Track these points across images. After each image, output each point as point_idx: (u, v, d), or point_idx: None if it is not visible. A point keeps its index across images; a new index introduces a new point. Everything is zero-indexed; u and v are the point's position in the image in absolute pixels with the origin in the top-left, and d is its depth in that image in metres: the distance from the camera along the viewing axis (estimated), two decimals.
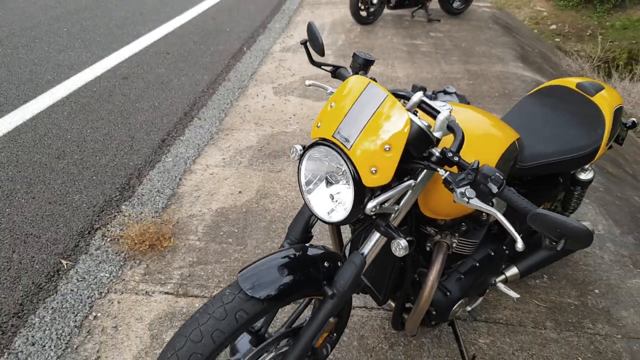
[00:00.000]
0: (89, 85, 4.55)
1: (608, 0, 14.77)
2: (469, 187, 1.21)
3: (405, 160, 1.29)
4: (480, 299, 2.03)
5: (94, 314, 2.25)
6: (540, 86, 2.20)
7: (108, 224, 2.83)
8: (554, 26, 14.85)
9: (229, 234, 2.78)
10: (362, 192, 1.25)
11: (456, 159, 1.24)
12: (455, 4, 7.79)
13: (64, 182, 3.19)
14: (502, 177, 1.19)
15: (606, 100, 2.02)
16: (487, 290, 2.05)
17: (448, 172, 1.23)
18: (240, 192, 3.18)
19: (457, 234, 1.66)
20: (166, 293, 2.37)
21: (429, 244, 1.68)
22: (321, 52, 1.62)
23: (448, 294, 1.75)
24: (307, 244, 1.51)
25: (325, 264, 1.44)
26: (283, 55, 5.68)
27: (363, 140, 1.23)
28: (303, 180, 1.36)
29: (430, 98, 3.75)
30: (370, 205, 1.25)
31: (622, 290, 2.49)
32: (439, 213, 1.55)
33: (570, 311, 2.33)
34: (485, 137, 1.54)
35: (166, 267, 2.52)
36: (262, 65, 5.34)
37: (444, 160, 1.25)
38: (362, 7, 6.97)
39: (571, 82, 2.11)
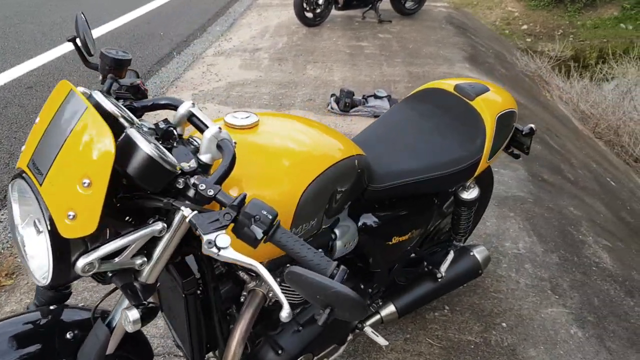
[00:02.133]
0: None
1: (579, 0, 14.66)
2: (223, 232, 0.87)
3: (140, 197, 0.94)
4: (342, 348, 1.67)
5: None
6: (416, 90, 1.87)
7: None
8: (525, 26, 14.69)
9: None
10: (64, 245, 0.89)
11: (211, 192, 0.89)
12: (408, 4, 7.49)
13: None
14: (271, 216, 0.85)
15: (488, 105, 1.69)
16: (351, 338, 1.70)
17: (194, 213, 0.88)
18: None
19: (278, 280, 1.30)
20: None
21: (244, 293, 1.32)
22: (88, 51, 1.27)
23: (280, 351, 1.40)
24: (60, 305, 1.15)
25: (69, 334, 1.08)
26: (214, 60, 5.31)
27: (57, 172, 0.88)
28: (17, 226, 1.00)
29: (360, 102, 3.36)
30: (81, 263, 0.90)
31: (534, 322, 2.16)
32: (250, 254, 1.20)
33: (468, 352, 1.99)
34: (296, 157, 1.19)
35: None
36: (189, 70, 4.98)
37: (198, 195, 0.91)
38: (308, 8, 6.63)
39: (450, 84, 1.78)
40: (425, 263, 1.87)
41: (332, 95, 4.20)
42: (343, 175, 1.26)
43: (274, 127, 1.24)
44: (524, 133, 1.87)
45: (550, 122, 5.30)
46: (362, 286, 1.54)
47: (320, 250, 0.93)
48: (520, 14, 15.22)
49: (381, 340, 1.67)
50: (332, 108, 4.07)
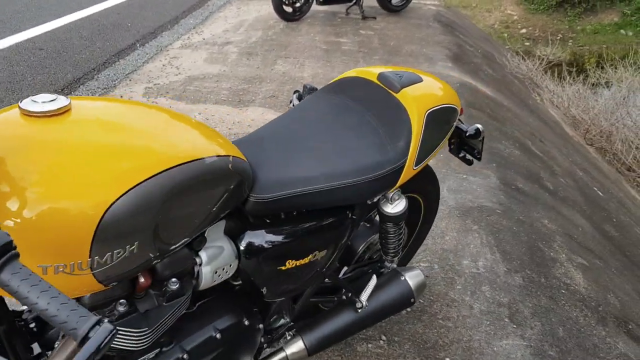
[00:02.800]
0: None
1: (579, 5, 14.37)
2: None
3: None
4: None
5: None
6: (335, 79, 1.55)
7: None
8: (524, 30, 14.42)
9: None
10: None
11: None
12: (394, 1, 7.17)
13: None
14: None
15: (416, 99, 1.37)
16: None
17: None
18: None
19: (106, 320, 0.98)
20: None
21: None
22: None
23: None
24: None
25: None
26: (179, 53, 4.99)
27: None
28: None
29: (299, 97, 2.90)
30: None
31: (484, 357, 1.83)
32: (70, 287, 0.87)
33: None
34: (114, 156, 0.86)
35: None
36: (149, 63, 4.65)
37: None
38: (287, 2, 6.31)
39: (374, 72, 1.46)
40: (344, 290, 1.54)
41: (295, 92, 3.86)
42: (202, 181, 0.94)
43: (91, 116, 0.92)
44: (467, 135, 1.55)
45: (536, 127, 4.98)
46: (246, 322, 1.21)
47: (72, 299, 0.61)
48: (520, 18, 14.94)
49: None
50: (294, 105, 3.74)
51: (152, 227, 0.89)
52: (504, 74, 6.42)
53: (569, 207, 3.32)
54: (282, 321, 1.40)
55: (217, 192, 0.99)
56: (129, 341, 0.98)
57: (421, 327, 1.93)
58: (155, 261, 0.94)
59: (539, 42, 12.97)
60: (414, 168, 1.35)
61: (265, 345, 1.41)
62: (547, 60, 7.86)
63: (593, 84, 7.91)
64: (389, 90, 1.39)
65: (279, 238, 1.20)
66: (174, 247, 0.97)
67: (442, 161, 3.16)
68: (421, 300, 2.05)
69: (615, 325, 2.23)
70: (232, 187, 1.02)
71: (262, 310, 1.32)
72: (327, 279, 1.47)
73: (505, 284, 2.19)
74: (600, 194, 4.59)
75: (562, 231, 2.84)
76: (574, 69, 8.57)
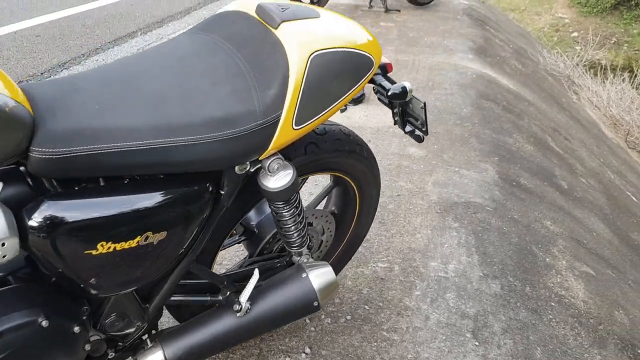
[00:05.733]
0: None
1: (637, 7, 13.58)
2: None
3: None
4: None
5: None
6: (214, 15, 1.23)
7: None
8: (575, 33, 13.72)
9: None
10: None
11: None
12: None
13: None
14: None
15: (300, 36, 1.05)
16: None
17: None
18: None
19: None
20: None
21: None
22: None
23: None
24: None
25: None
26: None
27: None
28: None
29: None
30: None
31: None
32: None
33: None
34: None
35: None
36: (141, 50, 4.46)
37: None
38: None
39: (253, 5, 1.14)
40: (222, 287, 1.22)
41: None
42: None
43: None
44: (389, 94, 1.21)
45: (564, 124, 4.50)
46: (44, 322, 0.91)
47: None
48: (571, 21, 14.20)
49: None
50: None
51: None
52: (535, 70, 5.92)
53: (585, 208, 2.88)
54: (131, 326, 1.09)
55: None
56: None
57: (359, 339, 1.58)
58: None
59: (591, 46, 12.26)
60: (295, 128, 1.02)
61: (111, 354, 1.11)
62: (587, 58, 7.26)
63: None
64: (268, 25, 1.06)
65: (86, 211, 0.89)
66: None
67: (432, 152, 2.79)
68: (367, 307, 1.70)
69: (617, 349, 1.82)
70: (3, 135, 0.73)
71: (92, 310, 1.02)
72: (194, 272, 1.15)
73: (476, 292, 1.82)
74: (634, 199, 4.07)
75: (568, 235, 2.42)
76: (631, 74, 7.89)
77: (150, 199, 0.95)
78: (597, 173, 3.80)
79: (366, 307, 1.70)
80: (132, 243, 0.94)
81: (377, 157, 2.66)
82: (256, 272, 1.17)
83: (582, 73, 7.12)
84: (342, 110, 3.34)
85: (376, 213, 1.95)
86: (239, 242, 1.43)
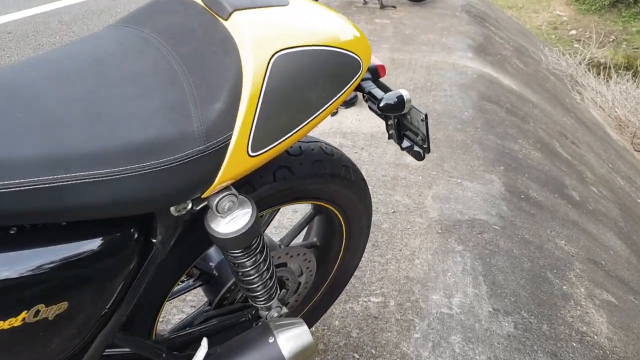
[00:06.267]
0: None
1: (635, 4, 13.40)
2: None
3: None
4: None
5: None
6: (149, 2, 0.94)
7: None
8: (573, 31, 13.50)
9: None
10: None
11: None
12: None
13: None
14: None
15: (257, 30, 0.76)
16: None
17: None
18: None
19: None
20: None
21: None
22: None
23: None
24: None
25: None
26: None
27: None
28: None
29: None
30: None
31: None
32: None
33: None
34: None
35: None
36: None
37: None
38: None
39: None
40: (164, 355, 0.94)
41: None
42: None
43: None
44: (382, 105, 0.93)
45: (569, 127, 4.23)
46: None
47: None
48: (569, 19, 13.98)
49: None
50: None
51: None
52: (537, 69, 5.65)
53: (599, 222, 2.61)
54: None
55: None
56: None
57: None
58: None
59: (589, 44, 12.04)
60: (252, 154, 0.74)
61: None
62: (589, 56, 7.01)
63: None
64: (216, 16, 0.78)
65: None
66: None
67: (432, 161, 2.51)
68: (356, 356, 1.43)
69: None
70: None
71: None
72: (120, 344, 0.87)
73: (486, 333, 1.54)
74: None
75: (584, 255, 2.15)
76: (633, 73, 7.63)
77: (41, 257, 0.67)
78: (607, 180, 3.54)
79: (356, 355, 1.42)
80: (14, 322, 0.65)
81: (371, 167, 2.39)
82: (204, 343, 0.88)
83: (585, 72, 6.87)
84: (333, 114, 3.08)
85: (369, 233, 1.69)
86: (194, 288, 1.15)
